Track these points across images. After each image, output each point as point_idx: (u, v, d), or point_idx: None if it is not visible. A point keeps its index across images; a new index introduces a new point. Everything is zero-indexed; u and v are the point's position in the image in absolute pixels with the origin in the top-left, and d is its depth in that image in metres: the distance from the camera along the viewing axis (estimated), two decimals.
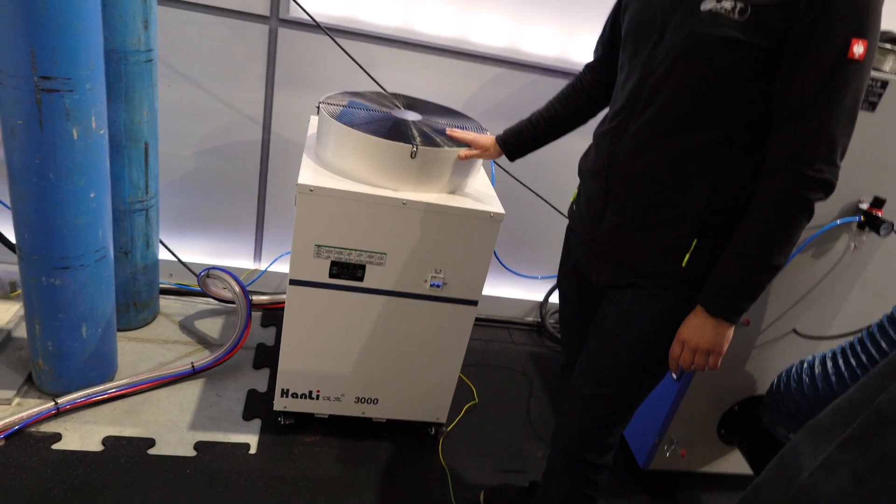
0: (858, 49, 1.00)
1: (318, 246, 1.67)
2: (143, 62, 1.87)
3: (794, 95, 1.05)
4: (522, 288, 2.76)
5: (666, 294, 1.25)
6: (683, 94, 1.13)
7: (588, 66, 1.49)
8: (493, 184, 1.94)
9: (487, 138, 1.66)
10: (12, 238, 1.78)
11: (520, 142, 1.59)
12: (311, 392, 1.89)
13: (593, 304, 1.41)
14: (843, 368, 1.45)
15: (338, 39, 2.14)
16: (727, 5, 1.06)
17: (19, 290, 2.07)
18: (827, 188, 1.08)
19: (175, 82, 2.19)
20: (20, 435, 1.74)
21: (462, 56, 2.28)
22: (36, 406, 1.79)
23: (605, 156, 1.27)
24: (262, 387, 2.10)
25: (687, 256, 1.20)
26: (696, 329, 1.19)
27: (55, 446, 1.73)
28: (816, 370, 1.51)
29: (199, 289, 2.33)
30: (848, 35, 1.00)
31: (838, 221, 1.58)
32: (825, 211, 1.58)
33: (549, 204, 2.51)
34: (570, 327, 1.55)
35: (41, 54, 1.46)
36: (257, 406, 2.01)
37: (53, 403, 1.80)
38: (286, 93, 2.27)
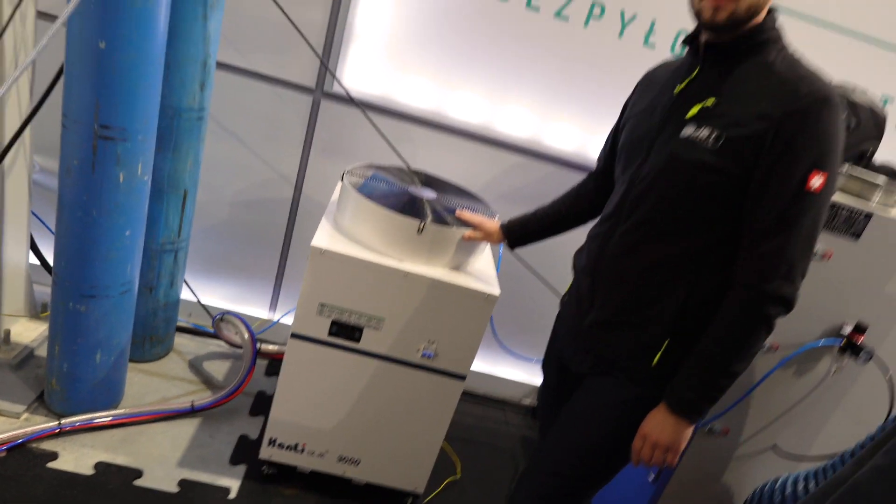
0: (817, 182, 1.11)
1: (322, 304, 1.78)
2: (195, 119, 2.07)
3: (759, 219, 1.15)
4: (522, 369, 2.80)
5: (635, 387, 1.32)
6: (662, 207, 1.24)
7: (591, 174, 1.62)
8: (499, 266, 2.03)
9: (493, 224, 1.77)
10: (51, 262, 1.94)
11: (523, 233, 1.70)
12: (297, 445, 1.95)
13: (570, 391, 1.47)
14: (812, 491, 1.45)
15: (375, 116, 2.33)
16: (703, 133, 1.18)
17: (48, 312, 2.22)
18: (786, 304, 1.16)
19: (222, 139, 2.39)
20: (21, 449, 1.85)
21: (487, 142, 2.44)
22: (41, 423, 1.90)
23: (594, 256, 1.38)
24: (253, 433, 2.17)
25: (658, 355, 1.28)
26: (658, 425, 1.25)
27: (50, 464, 1.83)
28: (787, 489, 1.52)
29: (212, 331, 2.45)
30: (808, 169, 1.11)
31: (820, 342, 1.62)
32: (808, 330, 1.62)
33: (553, 290, 2.58)
34: (546, 412, 1.60)
35: (104, 106, 1.65)
36: (245, 452, 2.08)
37: (57, 423, 1.91)
38: (321, 159, 2.45)
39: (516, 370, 2.80)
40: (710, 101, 1.18)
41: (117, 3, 1.56)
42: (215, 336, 2.49)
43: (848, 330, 1.61)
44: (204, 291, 2.60)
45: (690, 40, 1.26)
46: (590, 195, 1.60)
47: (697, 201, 1.21)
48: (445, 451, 2.32)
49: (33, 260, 2.28)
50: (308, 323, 1.79)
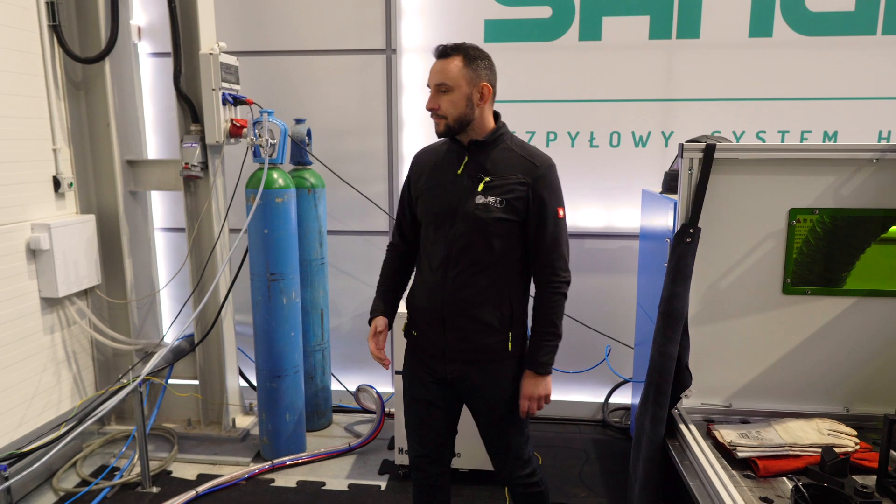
0: (561, 212, 1.91)
1: None
2: (319, 265, 3.39)
3: (541, 242, 1.89)
4: (586, 392, 3.63)
5: (505, 367, 1.96)
6: (479, 251, 1.88)
7: (397, 243, 2.11)
8: None
9: (382, 323, 2.07)
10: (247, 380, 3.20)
11: (392, 311, 2.13)
12: None
13: (441, 398, 2.02)
14: None
15: None
16: (491, 200, 1.85)
17: (253, 406, 3.46)
18: (569, 282, 1.93)
19: (338, 275, 3.70)
20: (253, 479, 2.99)
21: None
22: (261, 464, 3.05)
23: (435, 295, 1.93)
24: (391, 458, 3.18)
25: (509, 344, 1.95)
26: (532, 386, 1.93)
27: (271, 485, 2.95)
28: None
29: (358, 407, 3.57)
30: (555, 207, 1.89)
31: None
32: None
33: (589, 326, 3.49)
34: (421, 421, 2.07)
35: (271, 263, 2.99)
36: (387, 467, 3.10)
37: (270, 463, 3.05)
38: None
39: (579, 393, 3.64)
40: (487, 179, 1.86)
41: (270, 208, 2.95)
42: (361, 411, 3.60)
43: None
44: (344, 379, 3.77)
45: (453, 138, 1.90)
46: (408, 257, 2.11)
47: (498, 241, 1.86)
48: None
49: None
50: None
